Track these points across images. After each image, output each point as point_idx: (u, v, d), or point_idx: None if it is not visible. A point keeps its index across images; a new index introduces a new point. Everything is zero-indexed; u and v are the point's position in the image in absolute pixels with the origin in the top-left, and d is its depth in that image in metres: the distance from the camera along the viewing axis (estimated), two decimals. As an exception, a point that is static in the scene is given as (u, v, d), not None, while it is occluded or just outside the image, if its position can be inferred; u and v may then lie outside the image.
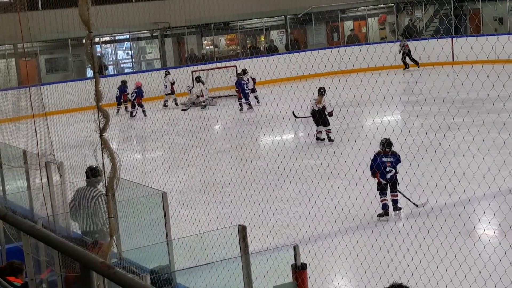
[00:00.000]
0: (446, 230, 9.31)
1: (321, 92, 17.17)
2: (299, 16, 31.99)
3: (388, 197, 11.46)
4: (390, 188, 11.51)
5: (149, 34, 31.06)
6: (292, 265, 6.04)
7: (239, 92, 24.31)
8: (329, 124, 17.19)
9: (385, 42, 31.85)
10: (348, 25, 33.85)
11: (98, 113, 5.02)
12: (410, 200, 11.56)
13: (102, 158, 5.15)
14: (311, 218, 10.82)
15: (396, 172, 11.49)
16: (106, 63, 30.90)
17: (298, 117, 18.36)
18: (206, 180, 14.56)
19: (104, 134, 5.03)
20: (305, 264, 6.09)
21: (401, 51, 29.19)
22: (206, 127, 21.17)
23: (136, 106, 25.21)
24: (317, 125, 17.35)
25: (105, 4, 23.18)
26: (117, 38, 31.30)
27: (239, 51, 31.89)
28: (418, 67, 28.49)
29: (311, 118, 17.47)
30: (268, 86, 26.79)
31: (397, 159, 11.50)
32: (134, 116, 25.30)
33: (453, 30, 30.70)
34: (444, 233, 9.10)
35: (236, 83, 24.54)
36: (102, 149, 5.08)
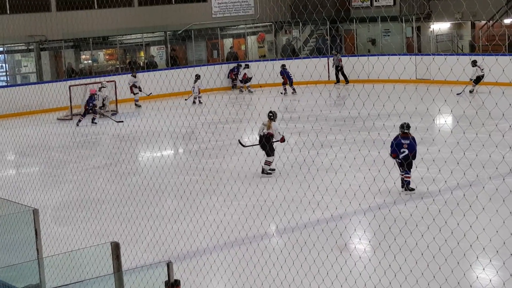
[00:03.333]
0: (319, 246, 9.54)
1: (270, 116, 15.12)
2: (179, 32, 32.02)
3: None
4: (404, 169, 12.81)
5: (24, 47, 30.24)
6: (165, 282, 6.03)
7: (285, 78, 28.40)
8: (271, 155, 14.95)
9: (264, 60, 32.43)
10: (228, 42, 34.18)
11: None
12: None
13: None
14: (187, 234, 10.82)
15: (413, 155, 12.66)
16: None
17: (245, 146, 16.16)
18: (82, 197, 14.28)
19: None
20: (178, 281, 6.09)
21: (334, 65, 29.85)
22: (83, 142, 20.81)
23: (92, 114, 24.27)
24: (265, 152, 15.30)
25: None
26: (-10, 50, 30.29)
27: (118, 66, 31.57)
28: (347, 83, 29.58)
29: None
30: (148, 101, 26.66)
31: (414, 142, 12.84)
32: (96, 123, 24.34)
33: (329, 50, 31.57)
34: (316, 250, 9.31)
35: (281, 72, 28.44)
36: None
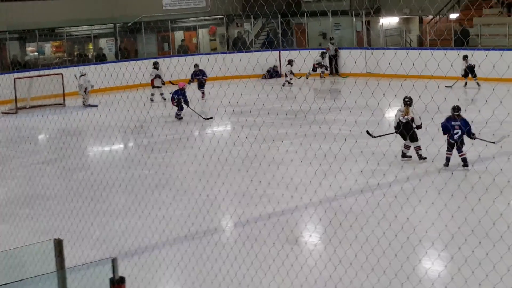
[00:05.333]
0: (271, 241, 9.45)
1: (407, 102, 14.35)
2: (128, 24, 31.63)
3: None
4: (458, 148, 13.57)
5: (-33, 39, 29.56)
6: (110, 279, 5.87)
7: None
8: (417, 140, 14.48)
9: (216, 53, 32.21)
10: (179, 35, 33.90)
11: None
12: (486, 140, 13.46)
13: None
14: (136, 230, 10.63)
15: (467, 132, 13.47)
16: None
17: (375, 137, 14.73)
18: (26, 193, 13.89)
19: None
20: (123, 278, 5.93)
21: (330, 55, 29.11)
22: (28, 136, 20.37)
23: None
24: (404, 139, 14.63)
25: None
26: None
27: (65, 58, 31.06)
28: (336, 74, 28.03)
29: (395, 134, 14.71)
30: (96, 95, 26.25)
31: (465, 122, 13.53)
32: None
33: (280, 44, 31.53)
34: (267, 245, 9.22)
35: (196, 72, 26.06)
36: None
